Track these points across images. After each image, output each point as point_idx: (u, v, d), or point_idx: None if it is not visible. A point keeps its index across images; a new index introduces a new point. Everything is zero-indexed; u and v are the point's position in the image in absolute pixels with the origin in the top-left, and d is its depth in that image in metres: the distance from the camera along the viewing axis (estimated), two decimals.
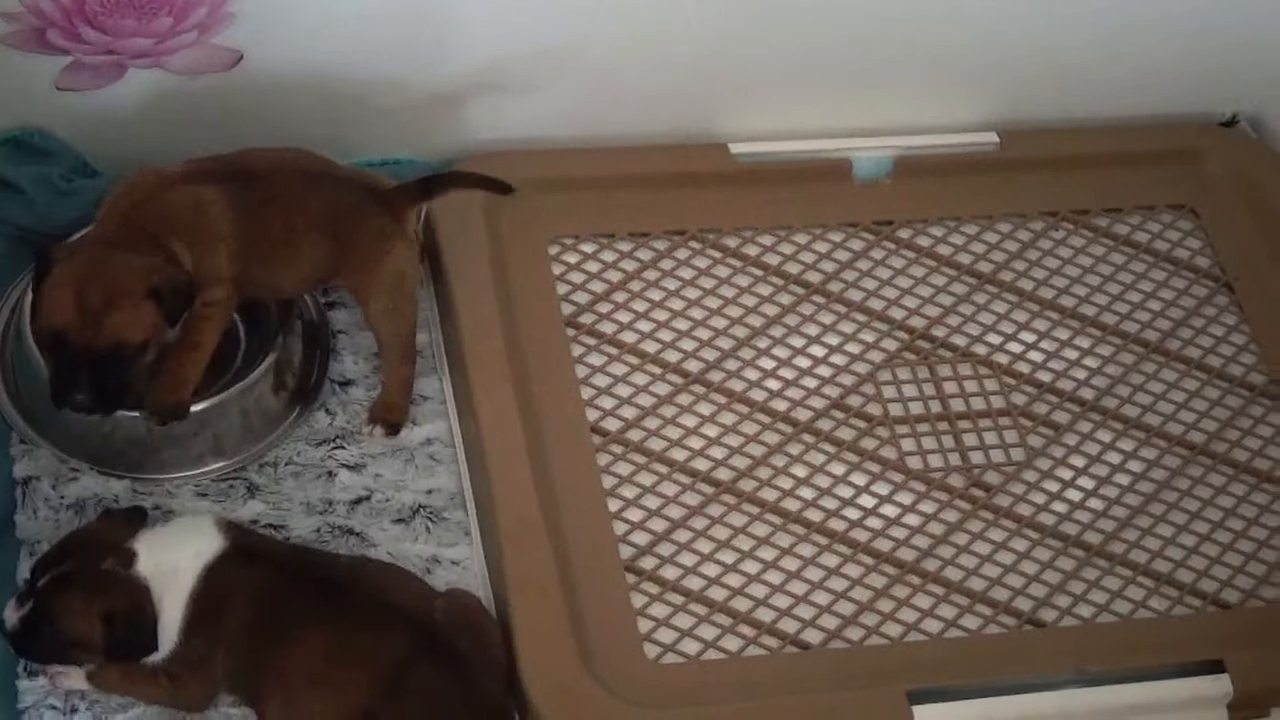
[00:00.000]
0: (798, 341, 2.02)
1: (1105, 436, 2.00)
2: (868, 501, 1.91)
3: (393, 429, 1.90)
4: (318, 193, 1.85)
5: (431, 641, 1.65)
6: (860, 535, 1.88)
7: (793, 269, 2.07)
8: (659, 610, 1.80)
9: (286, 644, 1.64)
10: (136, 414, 1.79)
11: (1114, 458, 1.98)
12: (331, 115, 2.04)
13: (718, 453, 1.92)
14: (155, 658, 1.65)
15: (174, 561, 1.65)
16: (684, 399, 1.95)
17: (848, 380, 1.99)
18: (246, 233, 1.81)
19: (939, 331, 2.05)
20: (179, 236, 1.77)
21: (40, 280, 1.74)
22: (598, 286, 2.02)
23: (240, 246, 1.81)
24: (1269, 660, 1.83)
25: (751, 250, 2.08)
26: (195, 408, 1.81)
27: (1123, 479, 1.96)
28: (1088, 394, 2.02)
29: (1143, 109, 2.25)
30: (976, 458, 1.96)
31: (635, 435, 1.91)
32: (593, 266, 2.03)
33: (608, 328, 1.99)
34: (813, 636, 1.81)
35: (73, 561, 1.62)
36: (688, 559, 1.84)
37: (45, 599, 1.62)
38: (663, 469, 1.89)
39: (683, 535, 1.85)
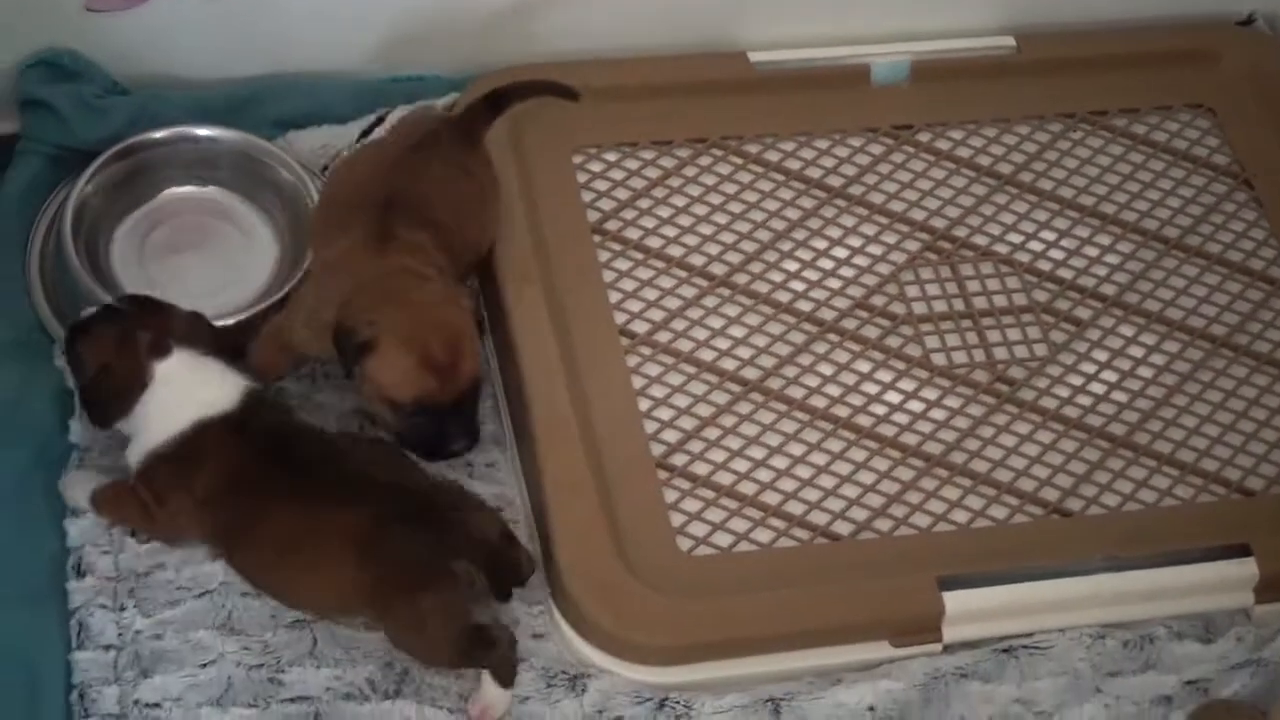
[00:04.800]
0: (820, 244, 2.03)
1: (1128, 331, 2.01)
2: (894, 397, 1.93)
3: None
4: (453, 145, 1.89)
5: (403, 504, 1.67)
6: (887, 430, 1.90)
7: (814, 173, 2.09)
8: (691, 505, 1.82)
9: (256, 515, 1.68)
10: None
11: (1137, 351, 1.99)
12: (358, 31, 2.06)
13: (744, 352, 1.94)
14: (131, 460, 1.72)
15: (183, 391, 1.70)
16: (710, 301, 1.97)
17: (871, 280, 2.01)
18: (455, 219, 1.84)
19: (960, 232, 2.07)
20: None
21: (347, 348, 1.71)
22: (622, 194, 2.03)
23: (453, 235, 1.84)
24: None
25: (773, 156, 2.09)
26: None
27: (1146, 372, 1.98)
28: (1109, 290, 2.04)
29: (1160, 9, 2.25)
30: (1000, 353, 1.97)
31: (663, 337, 1.93)
32: (616, 174, 2.05)
33: (633, 234, 2.01)
34: (842, 528, 1.83)
35: (130, 311, 1.71)
36: (718, 455, 1.86)
37: (89, 320, 1.72)
38: (691, 369, 1.91)
39: (712, 433, 1.87)
